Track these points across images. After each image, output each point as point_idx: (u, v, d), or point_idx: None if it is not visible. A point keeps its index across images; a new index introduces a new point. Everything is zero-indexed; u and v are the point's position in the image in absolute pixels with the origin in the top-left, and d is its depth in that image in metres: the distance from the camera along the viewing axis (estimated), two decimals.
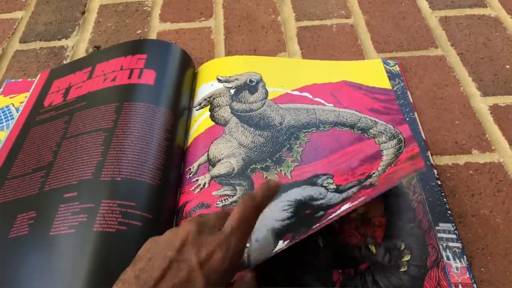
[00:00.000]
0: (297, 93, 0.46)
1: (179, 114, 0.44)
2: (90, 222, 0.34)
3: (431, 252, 0.35)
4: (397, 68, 0.49)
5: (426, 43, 0.53)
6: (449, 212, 0.37)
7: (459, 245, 0.35)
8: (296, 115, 0.44)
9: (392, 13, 0.57)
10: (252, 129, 0.43)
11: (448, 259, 0.35)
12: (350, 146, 0.41)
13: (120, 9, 0.61)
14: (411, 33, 0.55)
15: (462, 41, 0.53)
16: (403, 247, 0.35)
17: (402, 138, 0.40)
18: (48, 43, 0.57)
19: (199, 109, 0.46)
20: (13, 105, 0.49)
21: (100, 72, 0.47)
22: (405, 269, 0.34)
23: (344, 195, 0.37)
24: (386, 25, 0.56)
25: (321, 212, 0.35)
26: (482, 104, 0.47)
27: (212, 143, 0.42)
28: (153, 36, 0.57)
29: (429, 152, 0.41)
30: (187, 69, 0.49)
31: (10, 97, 0.50)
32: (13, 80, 0.52)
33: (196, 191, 0.39)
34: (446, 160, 0.42)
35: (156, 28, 0.58)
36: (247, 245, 0.31)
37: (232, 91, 0.46)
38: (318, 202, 0.37)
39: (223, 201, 0.38)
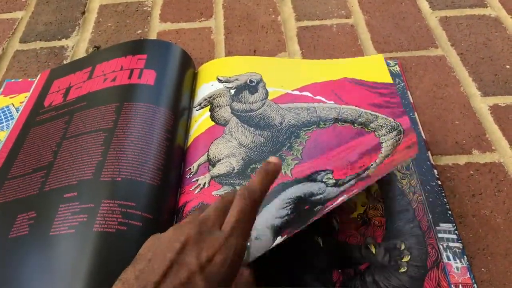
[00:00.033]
0: (297, 92, 0.46)
1: (179, 114, 0.44)
2: (90, 222, 0.34)
3: (431, 253, 0.35)
4: (397, 68, 0.49)
5: (426, 43, 0.53)
6: (450, 212, 0.37)
7: (459, 245, 0.35)
8: (296, 114, 0.44)
9: (392, 13, 0.57)
10: (252, 129, 0.43)
11: (449, 259, 0.35)
12: (350, 141, 0.41)
13: (120, 9, 0.61)
14: (411, 33, 0.55)
15: (462, 41, 0.53)
16: (403, 247, 0.35)
17: (402, 130, 0.40)
18: (48, 43, 0.57)
19: (199, 109, 0.46)
20: (13, 105, 0.49)
21: (100, 72, 0.47)
22: (405, 269, 0.34)
23: (342, 188, 0.37)
24: (386, 25, 0.56)
25: (319, 207, 0.35)
26: (482, 104, 0.47)
27: (212, 143, 0.42)
28: (153, 36, 0.57)
29: (429, 152, 0.41)
30: (187, 69, 0.49)
31: (10, 97, 0.50)
32: (13, 80, 0.52)
33: (196, 191, 0.39)
34: (446, 160, 0.42)
35: (156, 28, 0.58)
36: (247, 243, 0.31)
37: (232, 91, 0.46)
38: (317, 197, 0.37)
39: None
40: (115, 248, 0.33)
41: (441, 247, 0.35)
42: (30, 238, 0.35)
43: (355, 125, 0.42)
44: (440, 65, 0.51)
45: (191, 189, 0.39)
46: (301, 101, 0.45)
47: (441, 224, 0.36)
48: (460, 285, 0.33)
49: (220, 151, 0.42)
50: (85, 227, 0.34)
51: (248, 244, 0.33)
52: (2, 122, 0.47)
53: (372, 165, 0.38)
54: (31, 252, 0.34)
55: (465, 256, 0.35)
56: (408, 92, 0.47)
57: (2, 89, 0.51)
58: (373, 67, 0.48)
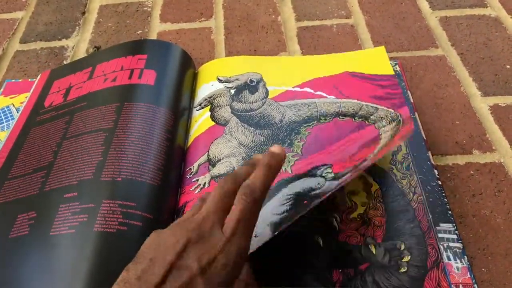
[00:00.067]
0: (297, 89, 0.46)
1: (180, 114, 0.44)
2: (90, 222, 0.34)
3: (431, 253, 0.35)
4: (397, 68, 0.49)
5: (427, 43, 0.53)
6: (450, 212, 0.37)
7: (459, 245, 0.35)
8: (296, 110, 0.44)
9: (393, 13, 0.57)
10: (252, 128, 0.43)
11: (449, 259, 0.34)
12: (350, 134, 0.41)
13: (120, 10, 0.61)
14: (411, 33, 0.55)
15: (463, 41, 0.53)
16: (403, 247, 0.35)
17: (401, 120, 0.40)
18: (49, 43, 0.57)
19: (199, 109, 0.46)
20: (14, 106, 0.49)
21: (101, 73, 0.47)
22: (405, 269, 0.34)
23: (340, 181, 0.37)
24: (387, 25, 0.56)
25: (317, 200, 0.35)
26: (482, 104, 0.47)
27: (212, 143, 0.42)
28: (153, 36, 0.57)
29: (429, 152, 0.41)
30: (188, 69, 0.49)
31: (11, 98, 0.50)
32: (13, 80, 0.52)
33: (197, 191, 0.39)
34: (446, 160, 0.42)
35: (157, 28, 0.58)
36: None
37: (233, 91, 0.46)
38: (316, 192, 0.36)
39: None
40: (115, 248, 0.33)
41: (441, 247, 0.35)
42: (30, 238, 0.35)
43: (356, 118, 0.42)
44: (440, 65, 0.51)
45: (191, 189, 0.39)
46: (301, 97, 0.45)
47: (441, 224, 0.36)
48: (461, 285, 0.33)
49: (220, 151, 0.42)
50: (86, 227, 0.34)
51: None
52: (3, 122, 0.47)
53: (369, 156, 0.38)
54: (31, 252, 0.34)
55: (465, 256, 0.35)
56: (409, 92, 0.46)
57: (2, 89, 0.51)
58: (374, 60, 0.48)
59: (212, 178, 0.40)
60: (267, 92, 0.46)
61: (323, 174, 0.38)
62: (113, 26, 0.59)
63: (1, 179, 0.40)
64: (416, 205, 0.37)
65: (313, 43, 0.54)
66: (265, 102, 0.45)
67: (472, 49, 0.52)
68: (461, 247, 0.35)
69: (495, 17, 0.56)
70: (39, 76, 0.51)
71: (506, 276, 0.35)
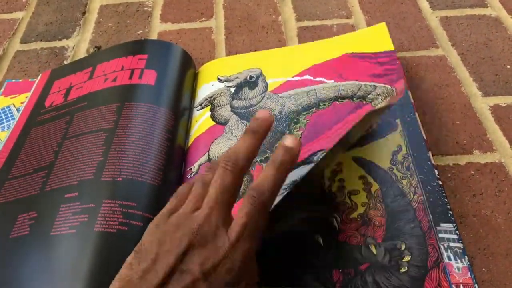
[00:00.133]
0: (297, 78, 0.46)
1: (180, 114, 0.44)
2: (91, 222, 0.34)
3: (432, 253, 0.35)
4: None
5: (427, 43, 0.53)
6: (450, 212, 0.37)
7: (460, 245, 0.35)
8: (296, 100, 0.43)
9: (393, 13, 0.57)
10: None
11: (449, 259, 0.34)
12: (347, 116, 0.40)
13: (120, 10, 0.61)
14: (411, 33, 0.55)
15: (463, 41, 0.53)
16: (403, 247, 0.35)
17: (395, 92, 0.40)
18: (49, 43, 0.57)
19: (200, 109, 0.46)
20: (14, 106, 0.49)
21: (101, 73, 0.47)
22: (405, 269, 0.34)
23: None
24: (387, 25, 0.56)
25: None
26: (483, 104, 0.47)
27: (212, 142, 0.42)
28: (153, 36, 0.57)
29: (430, 152, 0.41)
30: (188, 69, 0.49)
31: (11, 98, 0.50)
32: (14, 80, 0.52)
33: None
34: (447, 160, 0.42)
35: (157, 28, 0.58)
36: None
37: (233, 90, 0.46)
38: None
39: None
40: (116, 248, 0.33)
41: (441, 247, 0.35)
42: (30, 238, 0.35)
43: (354, 99, 0.42)
44: (440, 65, 0.51)
45: None
46: (301, 86, 0.45)
47: (441, 224, 0.36)
48: (461, 285, 0.33)
49: (220, 150, 0.42)
50: (86, 227, 0.34)
51: None
52: (3, 122, 0.48)
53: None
54: (31, 252, 0.34)
55: (466, 256, 0.35)
56: (409, 92, 0.46)
57: (2, 90, 0.51)
58: (375, 37, 0.47)
59: None
60: (266, 86, 0.46)
61: (320, 159, 0.37)
62: (113, 26, 0.59)
63: (1, 179, 0.40)
64: (416, 205, 0.37)
65: None
66: (264, 96, 0.45)
67: (472, 49, 0.52)
68: (462, 247, 0.35)
69: (495, 17, 0.56)
70: (39, 76, 0.51)
71: (507, 276, 0.35)
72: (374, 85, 0.42)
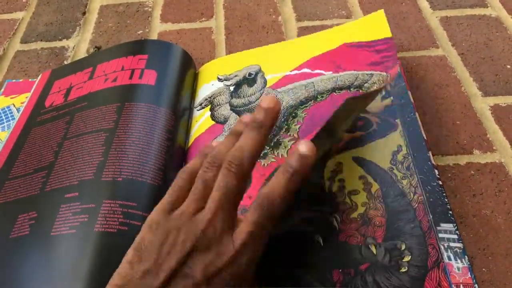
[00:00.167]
0: (295, 72, 0.46)
1: (180, 114, 0.44)
2: (91, 222, 0.34)
3: (432, 253, 0.35)
4: (397, 68, 0.49)
5: (427, 43, 0.53)
6: (450, 212, 0.37)
7: (460, 245, 0.35)
8: (294, 93, 0.43)
9: (393, 13, 0.57)
10: None
11: (450, 259, 0.34)
12: None
13: (120, 10, 0.61)
14: (411, 33, 0.55)
15: (463, 41, 0.53)
16: (403, 247, 0.35)
17: (388, 78, 0.40)
18: (49, 43, 0.57)
19: (200, 110, 0.46)
20: (14, 106, 0.49)
21: (101, 73, 0.47)
22: (405, 269, 0.34)
23: None
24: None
25: None
26: (483, 104, 0.47)
27: (212, 142, 0.42)
28: (154, 36, 0.57)
29: (430, 152, 0.41)
30: (188, 69, 0.49)
31: (11, 98, 0.50)
32: (14, 80, 0.52)
33: None
34: (447, 160, 0.42)
35: (157, 28, 0.58)
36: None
37: (232, 88, 0.46)
38: None
39: None
40: (116, 248, 0.32)
41: (442, 247, 0.35)
42: (31, 238, 0.35)
43: (351, 89, 0.41)
44: (441, 65, 0.51)
45: None
46: (300, 79, 0.45)
47: (442, 224, 0.36)
48: (461, 285, 0.33)
49: None
50: (86, 227, 0.34)
51: None
52: (3, 122, 0.48)
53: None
54: (31, 252, 0.34)
55: (466, 256, 0.35)
56: (409, 92, 0.46)
57: (3, 90, 0.51)
58: (373, 25, 0.46)
59: None
60: (265, 82, 0.46)
61: None
62: (113, 26, 0.59)
63: (1, 179, 0.40)
64: (416, 205, 0.37)
65: None
66: (263, 92, 0.45)
67: (472, 49, 0.52)
68: (462, 247, 0.35)
69: (495, 17, 0.56)
70: (39, 76, 0.51)
71: (507, 276, 0.35)
72: (371, 74, 0.42)
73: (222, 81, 0.47)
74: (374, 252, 0.35)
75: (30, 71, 0.54)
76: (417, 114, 0.45)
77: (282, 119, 0.42)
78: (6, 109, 0.49)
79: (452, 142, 0.43)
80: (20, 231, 0.35)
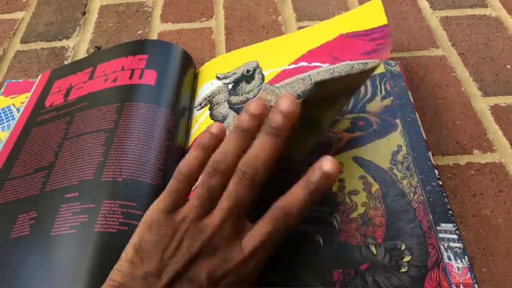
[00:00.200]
0: (293, 66, 0.45)
1: (180, 114, 0.44)
2: (91, 223, 0.34)
3: (432, 253, 0.35)
4: (397, 68, 0.49)
5: (427, 43, 0.53)
6: (450, 212, 0.37)
7: (460, 245, 0.35)
8: (291, 88, 0.43)
9: (393, 13, 0.57)
10: None
11: (450, 259, 0.34)
12: None
13: (121, 10, 0.61)
14: (411, 33, 0.55)
15: (463, 41, 0.53)
16: (403, 247, 0.35)
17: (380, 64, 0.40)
18: (49, 43, 0.57)
19: (199, 109, 0.46)
20: (14, 106, 0.49)
21: (101, 73, 0.47)
22: (405, 269, 0.34)
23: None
24: (387, 25, 0.56)
25: None
26: (483, 104, 0.47)
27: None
28: (154, 36, 0.57)
29: (430, 153, 0.41)
30: (188, 69, 0.49)
31: (11, 98, 0.50)
32: (14, 80, 0.52)
33: None
34: (447, 160, 0.42)
35: (157, 28, 0.58)
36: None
37: (230, 86, 0.46)
38: None
39: None
40: (116, 248, 0.32)
41: (442, 247, 0.35)
42: (31, 238, 0.35)
43: None
44: (441, 65, 0.51)
45: (192, 189, 0.39)
46: (297, 73, 0.45)
47: (441, 224, 0.36)
48: (461, 285, 0.33)
49: (219, 149, 0.41)
50: (86, 227, 0.34)
51: None
52: (3, 123, 0.48)
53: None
54: (31, 252, 0.34)
55: (466, 256, 0.35)
56: (409, 92, 0.46)
57: (3, 90, 0.51)
58: (369, 13, 0.46)
59: None
60: (263, 78, 0.46)
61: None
62: (113, 26, 0.59)
63: (1, 179, 0.40)
64: (416, 205, 0.37)
65: None
66: (260, 88, 0.45)
67: (472, 49, 0.52)
68: (462, 247, 0.35)
69: (495, 17, 0.56)
70: (39, 76, 0.51)
71: (507, 276, 0.35)
72: (366, 62, 0.42)
73: (221, 80, 0.47)
74: (374, 252, 0.35)
75: (30, 71, 0.54)
76: (417, 114, 0.45)
77: None
78: (6, 109, 0.49)
79: (452, 142, 0.43)
80: (20, 231, 0.35)
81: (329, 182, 0.26)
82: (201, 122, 0.44)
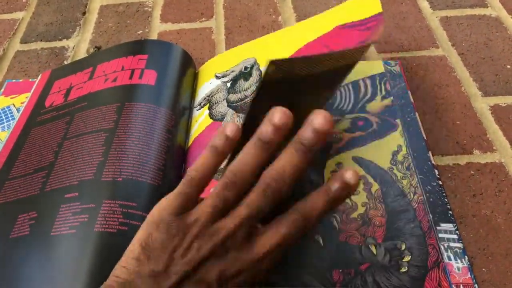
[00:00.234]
0: None
1: (180, 114, 0.44)
2: (91, 223, 0.34)
3: (432, 253, 0.35)
4: (397, 68, 0.49)
5: (427, 43, 0.53)
6: (450, 212, 0.37)
7: (460, 245, 0.35)
8: None
9: (393, 13, 0.57)
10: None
11: (450, 259, 0.35)
12: None
13: (121, 10, 0.61)
14: (412, 33, 0.55)
15: (463, 41, 0.53)
16: (403, 247, 0.35)
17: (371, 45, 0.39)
18: (49, 43, 0.57)
19: (199, 109, 0.46)
20: (14, 106, 0.49)
21: (101, 73, 0.47)
22: (405, 269, 0.34)
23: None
24: (387, 26, 0.56)
25: None
26: (483, 104, 0.47)
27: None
28: (154, 36, 0.57)
29: (430, 153, 0.41)
30: (188, 69, 0.49)
31: (11, 98, 0.50)
32: (14, 80, 0.52)
33: None
34: (447, 160, 0.42)
35: (157, 28, 0.58)
36: None
37: (229, 84, 0.46)
38: None
39: None
40: (116, 248, 0.32)
41: (441, 247, 0.35)
42: (31, 238, 0.35)
43: None
44: (441, 65, 0.51)
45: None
46: None
47: (441, 224, 0.36)
48: (461, 285, 0.33)
49: None
50: (86, 227, 0.34)
51: None
52: (3, 122, 0.48)
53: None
54: (32, 252, 0.34)
55: (466, 256, 0.35)
56: (409, 92, 0.46)
57: (3, 90, 0.51)
58: (365, 3, 0.45)
59: None
60: (260, 75, 0.46)
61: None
62: (113, 26, 0.59)
63: (1, 179, 0.40)
64: (416, 205, 0.37)
65: None
66: (258, 85, 0.45)
67: (472, 49, 0.52)
68: (462, 247, 0.35)
69: (495, 17, 0.56)
70: (39, 76, 0.51)
71: (507, 276, 0.35)
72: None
73: (219, 79, 0.47)
74: (374, 252, 0.35)
75: (30, 71, 0.54)
76: (417, 114, 0.45)
77: None
78: (6, 109, 0.49)
79: (452, 142, 0.43)
80: (20, 231, 0.35)
81: (349, 193, 0.26)
82: (201, 122, 0.45)
